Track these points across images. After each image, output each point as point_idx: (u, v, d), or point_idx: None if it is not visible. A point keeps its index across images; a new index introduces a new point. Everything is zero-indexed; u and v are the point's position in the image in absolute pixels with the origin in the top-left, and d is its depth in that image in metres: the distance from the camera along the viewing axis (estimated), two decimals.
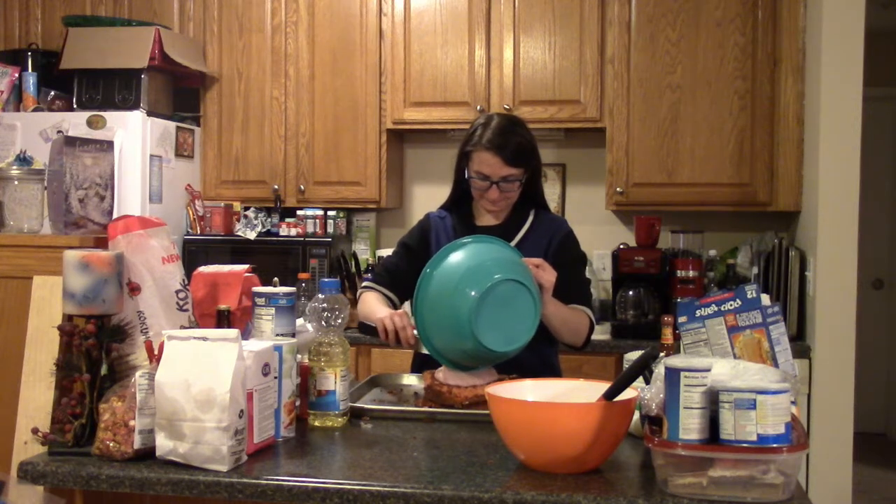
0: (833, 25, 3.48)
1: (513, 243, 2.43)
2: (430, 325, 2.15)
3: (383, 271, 2.62)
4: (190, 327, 1.98)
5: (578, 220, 2.77)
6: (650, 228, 3.85)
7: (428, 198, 4.46)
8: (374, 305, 2.46)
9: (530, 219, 2.52)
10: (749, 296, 1.81)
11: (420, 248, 2.55)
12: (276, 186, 4.24)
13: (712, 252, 3.99)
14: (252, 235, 4.13)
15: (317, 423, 2.03)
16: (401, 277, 2.54)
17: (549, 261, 2.37)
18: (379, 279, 2.59)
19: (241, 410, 1.71)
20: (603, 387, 1.74)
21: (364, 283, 2.64)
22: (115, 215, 2.21)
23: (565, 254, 2.48)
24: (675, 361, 1.61)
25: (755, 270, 3.84)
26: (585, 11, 3.95)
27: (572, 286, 2.43)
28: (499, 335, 2.07)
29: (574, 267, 2.49)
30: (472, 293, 2.04)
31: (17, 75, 4.05)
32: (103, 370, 1.84)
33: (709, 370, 1.58)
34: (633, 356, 2.02)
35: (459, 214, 2.56)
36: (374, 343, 3.79)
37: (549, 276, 2.21)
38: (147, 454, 1.74)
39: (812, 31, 3.69)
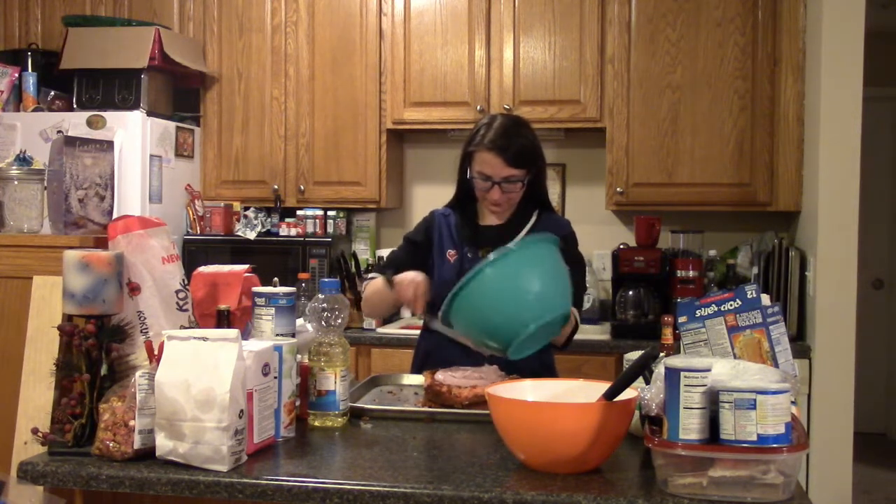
0: (833, 25, 3.48)
1: (513, 244, 2.43)
2: (464, 317, 2.10)
3: (389, 265, 2.62)
4: (190, 327, 1.98)
5: (578, 220, 2.77)
6: (650, 228, 3.85)
7: (428, 198, 4.46)
8: (382, 283, 2.47)
9: (533, 219, 2.52)
10: (749, 296, 1.81)
11: (424, 243, 2.58)
12: (275, 186, 4.24)
13: (712, 252, 3.99)
14: (252, 235, 4.13)
15: (317, 423, 2.03)
16: (403, 268, 2.53)
17: None
18: (383, 269, 2.59)
19: (241, 410, 1.71)
20: (603, 387, 1.74)
21: (370, 274, 2.65)
22: (115, 215, 2.21)
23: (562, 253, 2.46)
24: (675, 361, 1.61)
25: (755, 270, 3.84)
26: (585, 11, 3.95)
27: None
28: (524, 350, 2.10)
29: (569, 267, 2.48)
30: (528, 325, 2.02)
31: (17, 75, 4.05)
32: (103, 370, 1.84)
33: (709, 370, 1.58)
34: (633, 356, 2.02)
35: (463, 214, 2.56)
36: (374, 343, 3.79)
37: None
38: (147, 454, 1.74)
39: (812, 31, 3.69)
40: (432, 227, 2.59)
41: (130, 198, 3.84)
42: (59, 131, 3.83)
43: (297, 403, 1.97)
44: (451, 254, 2.53)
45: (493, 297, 2.03)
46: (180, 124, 4.18)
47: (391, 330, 3.91)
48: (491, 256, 2.06)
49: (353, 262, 4.14)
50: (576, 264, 2.51)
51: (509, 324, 2.02)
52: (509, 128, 2.44)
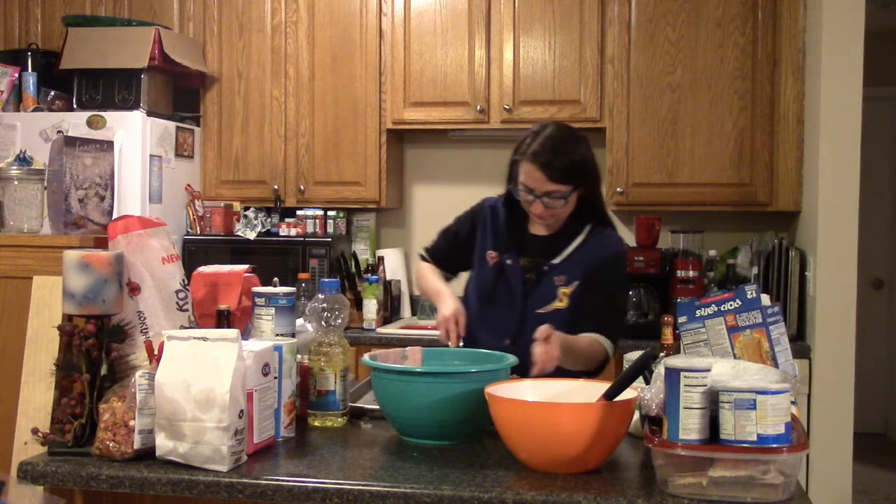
0: (833, 25, 3.48)
1: (558, 258, 2.40)
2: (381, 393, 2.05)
3: (434, 251, 2.65)
4: (190, 327, 1.98)
5: None
6: (650, 228, 3.85)
7: (428, 198, 4.47)
8: (434, 282, 2.55)
9: (582, 235, 2.41)
10: (749, 296, 1.81)
11: (468, 239, 2.54)
12: (275, 186, 4.24)
13: (712, 252, 3.99)
14: (252, 235, 4.13)
15: (317, 423, 2.03)
16: (446, 261, 2.62)
17: (587, 280, 2.35)
18: (432, 253, 2.65)
19: (241, 410, 1.71)
20: (603, 387, 1.74)
21: (421, 252, 2.69)
22: (115, 215, 2.21)
23: (599, 276, 2.37)
24: (675, 361, 1.61)
25: (755, 270, 3.84)
26: (585, 11, 3.94)
27: (596, 312, 2.33)
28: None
29: (605, 292, 2.36)
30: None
31: (17, 75, 4.05)
32: (103, 370, 1.84)
33: (709, 370, 1.58)
34: (633, 356, 2.02)
35: (514, 216, 2.46)
36: (374, 343, 3.79)
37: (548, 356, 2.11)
38: (147, 454, 1.74)
39: (812, 31, 3.69)
40: (478, 219, 2.53)
41: (130, 198, 3.83)
42: (59, 131, 3.83)
43: (297, 403, 1.97)
44: (491, 255, 2.46)
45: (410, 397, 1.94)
46: (180, 124, 4.17)
47: (391, 330, 3.92)
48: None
49: (353, 262, 4.14)
50: (611, 287, 2.40)
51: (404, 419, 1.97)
52: (557, 140, 2.30)
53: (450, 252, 2.61)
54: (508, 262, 2.43)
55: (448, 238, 2.63)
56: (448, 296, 2.43)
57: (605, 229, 2.46)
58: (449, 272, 2.62)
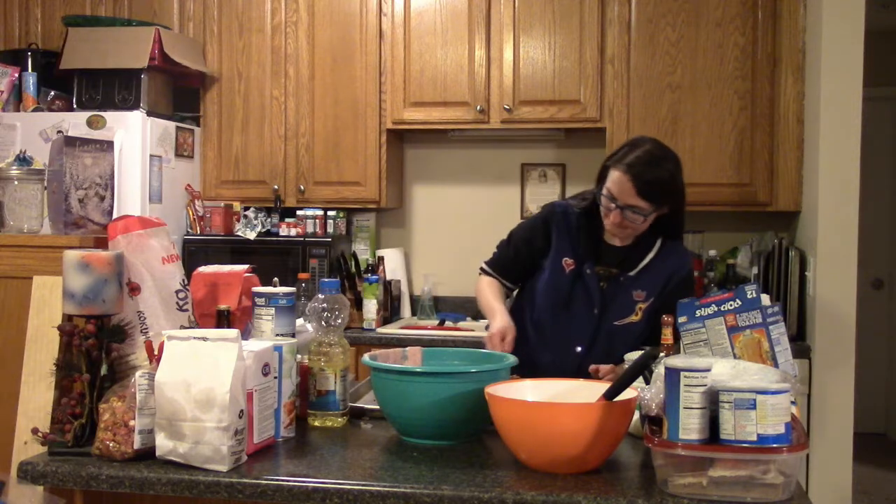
0: (833, 25, 3.48)
1: (635, 270, 2.45)
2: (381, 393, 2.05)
3: (499, 261, 2.64)
4: (190, 327, 1.98)
5: None
6: None
7: (428, 198, 4.47)
8: (490, 299, 2.54)
9: (656, 247, 2.48)
10: (749, 296, 1.81)
11: (542, 248, 2.54)
12: (275, 186, 4.24)
13: (712, 252, 3.99)
14: (252, 235, 4.13)
15: (317, 423, 2.03)
16: (512, 271, 2.61)
17: (664, 299, 2.38)
18: (494, 266, 2.64)
19: (241, 410, 1.71)
20: (603, 387, 1.74)
21: (482, 266, 2.67)
22: (115, 215, 2.21)
23: (678, 296, 2.32)
24: (675, 361, 1.61)
25: (755, 270, 3.84)
26: (585, 11, 3.94)
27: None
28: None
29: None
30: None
31: (17, 75, 4.05)
32: (103, 370, 1.84)
33: (709, 370, 1.58)
34: (633, 356, 2.02)
35: (590, 224, 2.48)
36: (374, 343, 3.79)
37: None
38: (147, 454, 1.74)
39: (812, 31, 3.69)
40: (551, 224, 2.53)
41: (130, 198, 3.83)
42: (59, 131, 3.82)
43: (297, 403, 1.97)
44: (567, 262, 2.48)
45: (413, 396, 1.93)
46: (180, 124, 4.17)
47: (391, 330, 3.91)
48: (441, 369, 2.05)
49: (353, 262, 4.14)
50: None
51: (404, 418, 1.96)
52: (653, 156, 2.36)
53: (517, 260, 2.59)
54: (588, 271, 2.46)
55: (513, 247, 2.62)
56: (499, 313, 2.46)
57: (676, 243, 2.53)
58: (513, 283, 2.63)
